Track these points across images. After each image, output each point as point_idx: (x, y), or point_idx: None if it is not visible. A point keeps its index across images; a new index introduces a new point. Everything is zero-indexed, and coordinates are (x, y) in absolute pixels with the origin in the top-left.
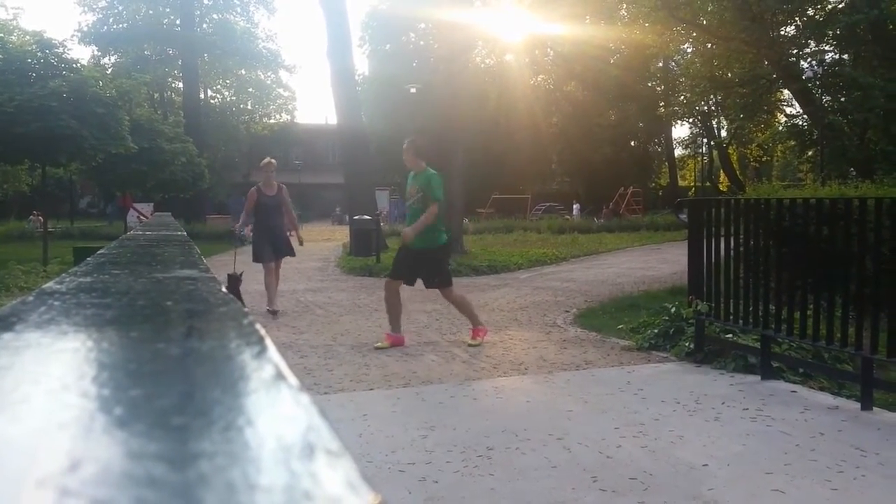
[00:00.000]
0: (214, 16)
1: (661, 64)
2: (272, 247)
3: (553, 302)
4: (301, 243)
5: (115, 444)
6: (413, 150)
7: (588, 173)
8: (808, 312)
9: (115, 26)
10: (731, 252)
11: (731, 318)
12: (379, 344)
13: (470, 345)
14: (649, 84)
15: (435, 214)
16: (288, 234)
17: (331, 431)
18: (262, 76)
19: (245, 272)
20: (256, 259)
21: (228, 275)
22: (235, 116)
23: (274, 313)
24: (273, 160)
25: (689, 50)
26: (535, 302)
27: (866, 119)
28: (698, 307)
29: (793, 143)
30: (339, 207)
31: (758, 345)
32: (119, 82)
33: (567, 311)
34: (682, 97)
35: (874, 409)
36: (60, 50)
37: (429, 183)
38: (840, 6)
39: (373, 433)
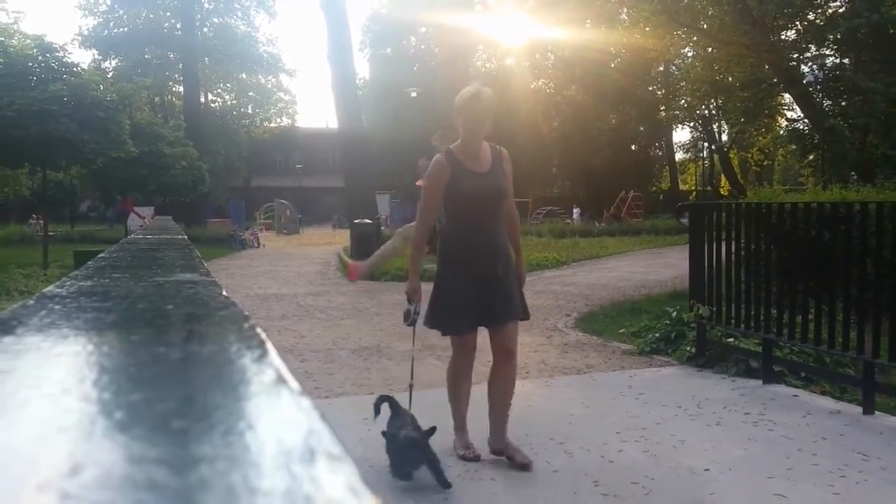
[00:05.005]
0: (215, 20)
1: (661, 68)
2: (479, 299)
3: (554, 306)
4: (521, 284)
5: (115, 448)
6: None
7: (588, 177)
8: (810, 316)
9: (115, 30)
10: (733, 256)
11: (733, 322)
12: None
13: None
14: (650, 88)
15: None
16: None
17: (332, 435)
18: (263, 80)
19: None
20: (436, 323)
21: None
22: (236, 120)
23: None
24: (488, 89)
25: (689, 54)
26: (536, 306)
27: (867, 123)
28: (700, 311)
29: (794, 147)
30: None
31: (759, 349)
32: (119, 86)
33: (568, 315)
34: (683, 101)
35: (876, 413)
36: (61, 54)
37: None
38: (841, 10)
39: (374, 437)
